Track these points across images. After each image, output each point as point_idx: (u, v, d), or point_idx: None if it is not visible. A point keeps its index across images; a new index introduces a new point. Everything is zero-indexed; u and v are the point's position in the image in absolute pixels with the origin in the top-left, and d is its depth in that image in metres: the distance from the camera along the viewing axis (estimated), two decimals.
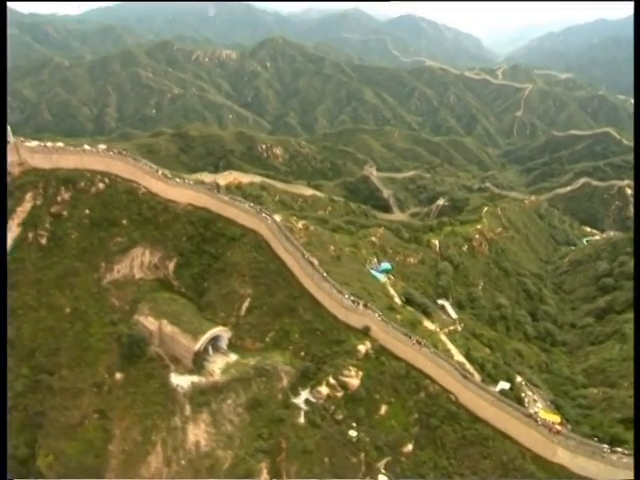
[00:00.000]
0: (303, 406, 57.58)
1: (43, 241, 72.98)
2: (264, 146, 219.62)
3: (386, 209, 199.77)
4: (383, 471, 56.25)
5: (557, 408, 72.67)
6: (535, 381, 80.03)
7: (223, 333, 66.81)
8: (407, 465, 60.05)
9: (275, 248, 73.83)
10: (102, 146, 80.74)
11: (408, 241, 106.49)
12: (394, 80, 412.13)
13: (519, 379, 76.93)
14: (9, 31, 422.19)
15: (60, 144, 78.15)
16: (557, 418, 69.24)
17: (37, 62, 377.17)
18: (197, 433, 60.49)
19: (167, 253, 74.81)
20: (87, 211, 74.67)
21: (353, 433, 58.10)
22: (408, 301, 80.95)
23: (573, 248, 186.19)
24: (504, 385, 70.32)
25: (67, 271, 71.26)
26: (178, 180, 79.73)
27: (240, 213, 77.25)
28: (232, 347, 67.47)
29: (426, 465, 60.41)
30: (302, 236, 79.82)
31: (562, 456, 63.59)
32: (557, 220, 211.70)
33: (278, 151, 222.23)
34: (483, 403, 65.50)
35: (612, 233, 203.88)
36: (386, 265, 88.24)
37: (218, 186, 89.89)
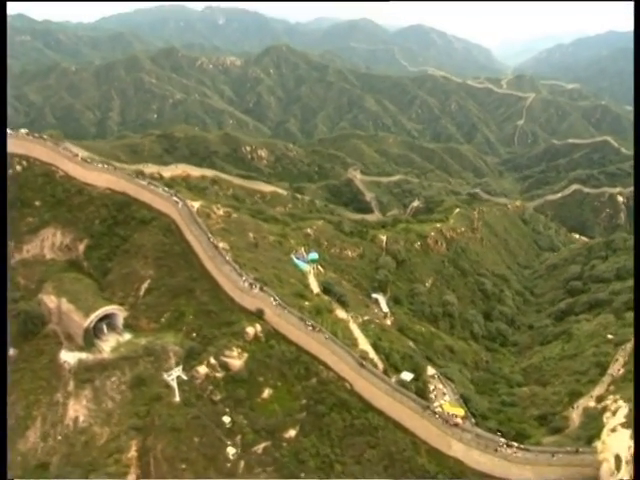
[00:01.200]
0: (173, 383, 56.74)
1: None
2: (248, 148, 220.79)
3: (368, 212, 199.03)
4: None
5: (465, 402, 70.45)
6: (453, 375, 78.00)
7: (117, 312, 66.66)
8: (287, 451, 58.64)
9: (184, 232, 73.69)
10: (23, 130, 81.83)
11: (350, 235, 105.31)
12: (396, 88, 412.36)
13: (432, 372, 75.07)
14: (22, 37, 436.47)
15: None
16: (461, 411, 67.30)
17: (45, 67, 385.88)
18: (77, 409, 60.20)
19: (78, 235, 75.32)
20: None
21: (227, 419, 56.94)
22: (327, 290, 79.71)
23: (556, 254, 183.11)
24: (406, 376, 68.49)
25: None
26: (100, 165, 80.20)
27: (155, 197, 77.47)
28: (128, 327, 67.22)
29: (307, 452, 58.85)
30: (219, 222, 79.49)
31: (457, 449, 61.56)
32: (542, 226, 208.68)
33: (263, 153, 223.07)
34: (378, 392, 63.94)
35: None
36: (313, 255, 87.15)
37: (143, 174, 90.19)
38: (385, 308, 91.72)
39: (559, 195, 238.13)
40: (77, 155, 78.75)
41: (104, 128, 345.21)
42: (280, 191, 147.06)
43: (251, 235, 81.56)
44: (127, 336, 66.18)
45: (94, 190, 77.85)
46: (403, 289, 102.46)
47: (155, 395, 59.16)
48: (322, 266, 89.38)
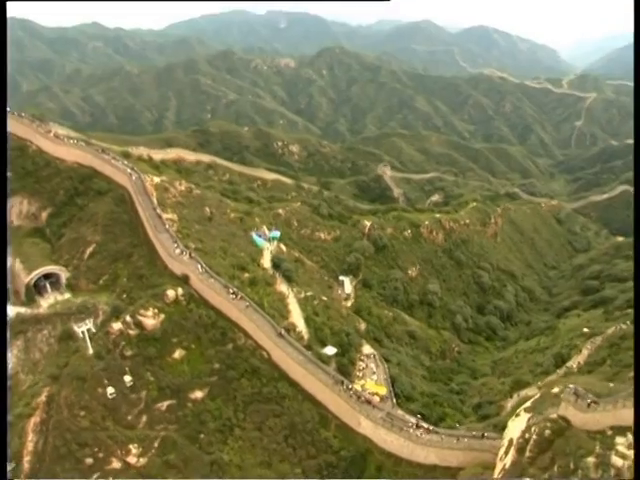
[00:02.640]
0: (83, 336, 59.62)
1: None
2: (280, 143, 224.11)
3: None
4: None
5: (393, 383, 68.39)
6: (392, 357, 75.98)
7: (59, 272, 71.04)
8: (190, 411, 60.16)
9: (136, 203, 77.06)
10: None
11: (328, 218, 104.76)
12: (449, 88, 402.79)
13: (369, 351, 73.62)
14: (94, 44, 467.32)
15: None
16: (383, 390, 65.93)
17: (111, 70, 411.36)
18: (8, 357, 64.56)
19: (43, 204, 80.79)
20: None
21: (127, 378, 59.06)
22: (276, 266, 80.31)
23: (584, 254, 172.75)
24: (329, 350, 67.84)
25: None
26: (72, 141, 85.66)
27: (116, 171, 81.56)
28: (69, 286, 71.40)
29: (210, 414, 60.20)
30: (176, 196, 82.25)
31: (365, 426, 60.81)
32: (579, 227, 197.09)
33: (294, 148, 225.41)
34: (293, 363, 63.90)
35: None
36: (275, 233, 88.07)
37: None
38: (348, 290, 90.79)
39: (605, 196, 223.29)
40: (50, 132, 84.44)
41: (160, 127, 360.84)
42: (284, 179, 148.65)
43: (207, 210, 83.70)
44: (67, 295, 70.40)
45: (62, 164, 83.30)
46: (378, 274, 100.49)
47: (76, 348, 62.52)
48: (285, 244, 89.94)
